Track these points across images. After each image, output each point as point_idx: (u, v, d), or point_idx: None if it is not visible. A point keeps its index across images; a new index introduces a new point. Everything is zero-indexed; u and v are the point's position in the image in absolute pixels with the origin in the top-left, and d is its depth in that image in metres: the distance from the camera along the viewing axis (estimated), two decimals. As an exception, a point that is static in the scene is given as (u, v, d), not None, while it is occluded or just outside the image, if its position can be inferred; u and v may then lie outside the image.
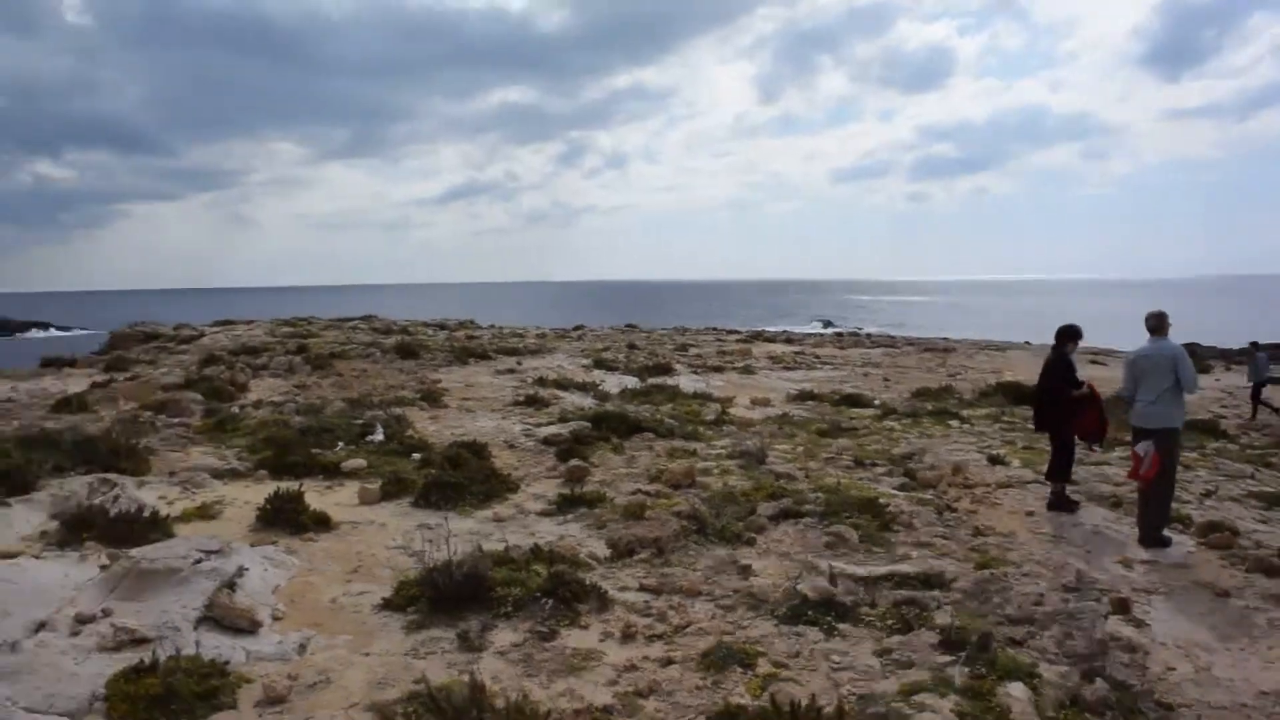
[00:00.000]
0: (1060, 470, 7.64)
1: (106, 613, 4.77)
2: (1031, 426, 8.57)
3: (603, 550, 6.20)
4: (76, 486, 7.41)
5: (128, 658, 4.23)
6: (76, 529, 6.24)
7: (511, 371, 17.07)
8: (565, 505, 7.32)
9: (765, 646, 4.60)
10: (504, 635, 4.74)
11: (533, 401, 12.89)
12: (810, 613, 4.96)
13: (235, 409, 12.14)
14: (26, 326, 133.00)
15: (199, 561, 5.40)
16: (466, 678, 4.10)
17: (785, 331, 36.05)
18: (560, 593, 5.04)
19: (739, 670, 4.33)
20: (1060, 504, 7.47)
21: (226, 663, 4.30)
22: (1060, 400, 7.48)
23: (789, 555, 6.09)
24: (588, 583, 5.25)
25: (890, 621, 4.87)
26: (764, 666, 4.38)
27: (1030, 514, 7.28)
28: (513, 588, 5.08)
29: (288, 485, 7.33)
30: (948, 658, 4.44)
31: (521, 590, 5.07)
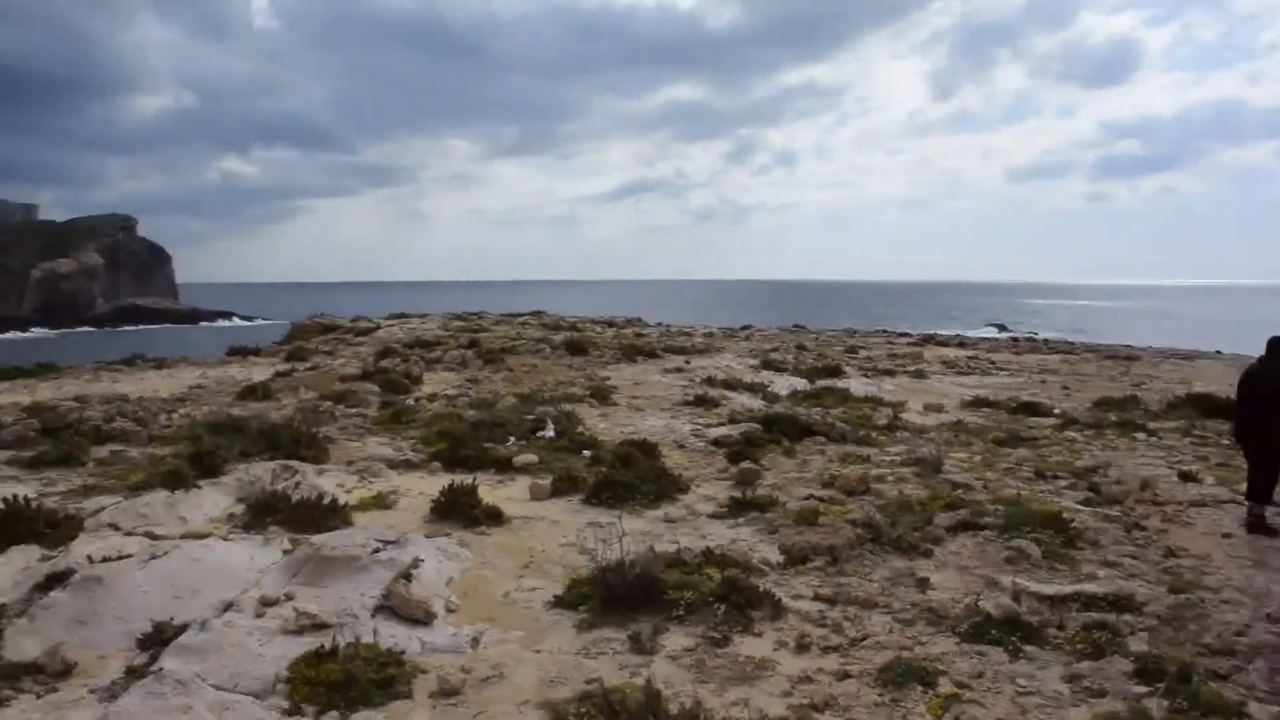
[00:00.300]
0: (1263, 490, 7.11)
1: (289, 597, 5.17)
2: (1227, 442, 7.92)
3: (775, 556, 6.26)
4: (261, 472, 8.12)
5: (308, 642, 4.57)
6: (261, 513, 6.80)
7: (680, 370, 17.46)
8: (736, 508, 7.43)
9: (946, 665, 4.58)
10: (676, 639, 4.86)
11: (702, 401, 13.14)
12: (993, 631, 4.91)
13: (410, 401, 12.90)
14: (214, 316, 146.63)
15: (377, 551, 5.76)
16: (639, 681, 4.23)
17: (958, 335, 35.16)
18: (733, 598, 5.12)
19: (919, 688, 4.34)
20: (1261, 527, 6.95)
21: (402, 652, 4.57)
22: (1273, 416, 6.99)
23: (968, 569, 5.98)
24: (761, 589, 5.31)
25: (1080, 645, 4.76)
26: (945, 686, 4.36)
27: (1227, 536, 6.87)
28: (685, 591, 5.20)
29: (461, 478, 7.77)
30: (1144, 688, 4.28)
31: (694, 594, 5.18)
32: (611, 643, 4.85)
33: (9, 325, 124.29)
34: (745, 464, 8.86)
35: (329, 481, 8.13)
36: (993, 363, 21.38)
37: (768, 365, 18.77)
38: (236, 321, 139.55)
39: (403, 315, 31.58)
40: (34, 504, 6.24)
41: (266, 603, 5.06)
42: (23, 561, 5.64)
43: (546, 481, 8.12)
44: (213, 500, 7.37)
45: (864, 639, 4.88)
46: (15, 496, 6.24)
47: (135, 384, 15.77)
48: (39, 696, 4.12)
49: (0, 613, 4.79)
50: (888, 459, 9.51)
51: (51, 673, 4.30)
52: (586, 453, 9.52)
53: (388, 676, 4.29)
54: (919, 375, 18.32)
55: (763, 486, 8.24)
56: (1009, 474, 8.91)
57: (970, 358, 22.46)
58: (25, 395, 14.22)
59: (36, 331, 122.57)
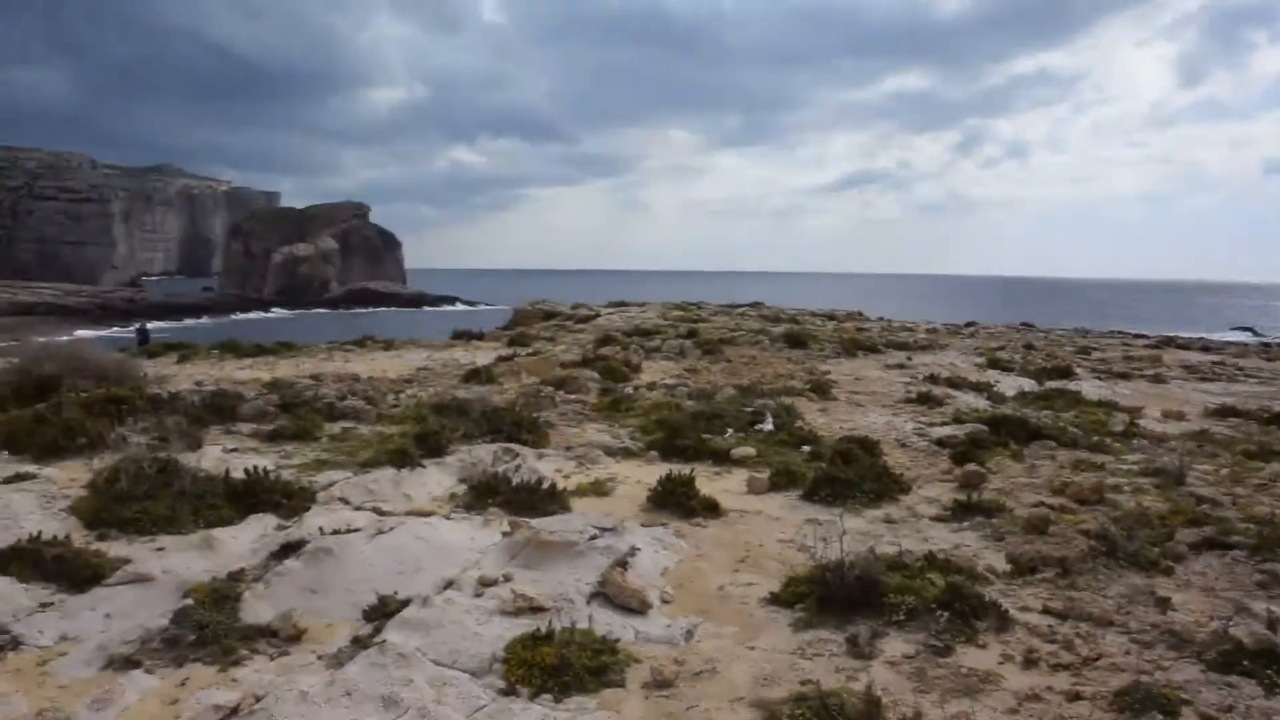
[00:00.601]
0: None
1: (507, 578, 5.46)
2: None
3: (1001, 564, 6.10)
4: (483, 454, 8.63)
5: (525, 624, 4.80)
6: (482, 494, 7.24)
7: (901, 367, 17.40)
8: (960, 512, 7.28)
9: (1190, 694, 4.32)
10: (895, 645, 4.84)
11: (924, 399, 13.04)
12: (1245, 662, 4.55)
13: (629, 389, 13.32)
14: (439, 300, 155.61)
15: (594, 538, 6.00)
16: (857, 686, 4.24)
17: (1201, 338, 32.87)
18: (957, 606, 5.04)
19: (1159, 717, 4.11)
20: None
21: (617, 640, 4.73)
22: None
23: (1215, 591, 5.60)
24: (986, 598, 5.19)
25: (1344, 686, 4.28)
26: (1189, 717, 4.11)
27: None
28: (906, 595, 5.16)
29: (678, 468, 7.96)
30: None
31: (915, 599, 5.14)
32: (828, 644, 4.89)
33: (253, 305, 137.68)
34: (970, 466, 8.68)
35: (548, 466, 8.51)
36: (1240, 369, 20.22)
37: (994, 364, 18.51)
38: (461, 306, 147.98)
39: (622, 304, 32.54)
40: (272, 475, 6.91)
41: (485, 583, 5.35)
42: (260, 529, 6.27)
43: (764, 475, 8.22)
44: (436, 480, 7.89)
45: (1098, 659, 4.69)
46: (255, 468, 6.95)
47: (365, 364, 17.12)
48: (271, 659, 4.54)
49: (240, 577, 5.34)
50: (1124, 468, 9.12)
51: (284, 637, 4.73)
52: (805, 448, 9.57)
53: (601, 664, 4.44)
54: (1157, 380, 17.62)
55: (988, 491, 8.04)
56: (1261, 490, 8.30)
57: (1215, 363, 21.38)
58: (266, 372, 15.76)
59: (277, 312, 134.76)
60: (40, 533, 5.56)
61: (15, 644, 4.60)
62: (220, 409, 10.10)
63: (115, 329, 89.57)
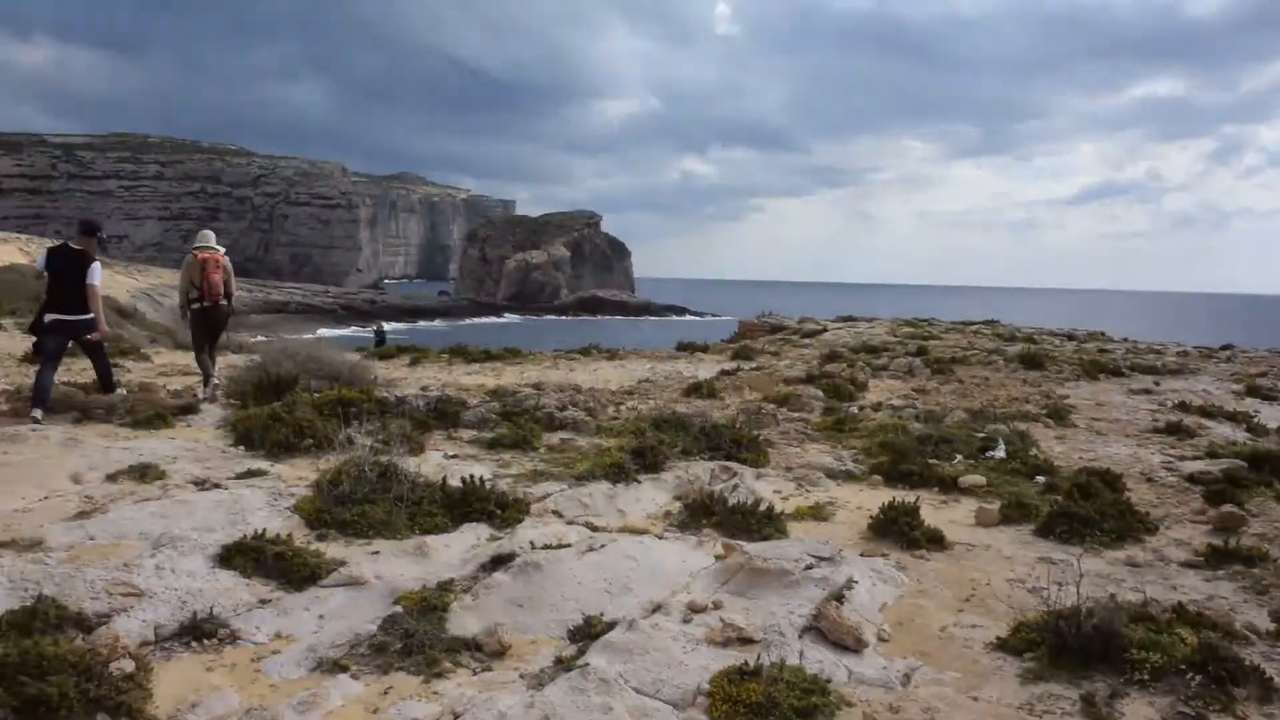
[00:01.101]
0: None
1: (717, 605, 5.34)
2: None
3: (1264, 622, 5.48)
4: (700, 471, 8.61)
5: (732, 656, 4.69)
6: (697, 514, 7.23)
7: (1148, 392, 16.20)
8: (1215, 558, 6.61)
9: None
10: (1137, 709, 4.45)
11: (1174, 430, 12.06)
12: None
13: (854, 409, 13.08)
14: (666, 310, 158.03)
15: (810, 567, 5.82)
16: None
17: None
18: (1211, 668, 4.57)
19: None
20: None
21: (828, 680, 4.56)
22: None
23: None
24: (1246, 661, 4.68)
25: None
26: None
27: None
28: (1151, 652, 4.74)
29: (902, 495, 7.71)
30: None
31: (1162, 657, 4.70)
32: (1060, 701, 4.57)
33: (485, 310, 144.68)
34: (1227, 507, 7.93)
35: (766, 487, 8.42)
36: None
37: (1254, 392, 16.92)
38: (687, 317, 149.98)
39: (849, 318, 32.09)
40: (487, 484, 7.16)
41: (694, 609, 5.26)
42: (473, 539, 6.46)
43: (995, 507, 7.82)
44: (651, 496, 7.93)
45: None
46: (472, 476, 7.20)
47: (588, 374, 17.60)
48: (474, 673, 4.61)
49: (449, 587, 5.49)
50: None
51: (488, 651, 4.79)
52: (1040, 479, 9.08)
53: (810, 705, 4.27)
54: None
55: (1248, 535, 7.29)
56: None
57: None
58: (492, 378, 16.46)
59: (508, 317, 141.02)
60: (264, 530, 5.94)
61: (234, 638, 4.88)
62: (444, 414, 10.59)
63: (356, 329, 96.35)
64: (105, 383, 11.26)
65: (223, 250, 12.90)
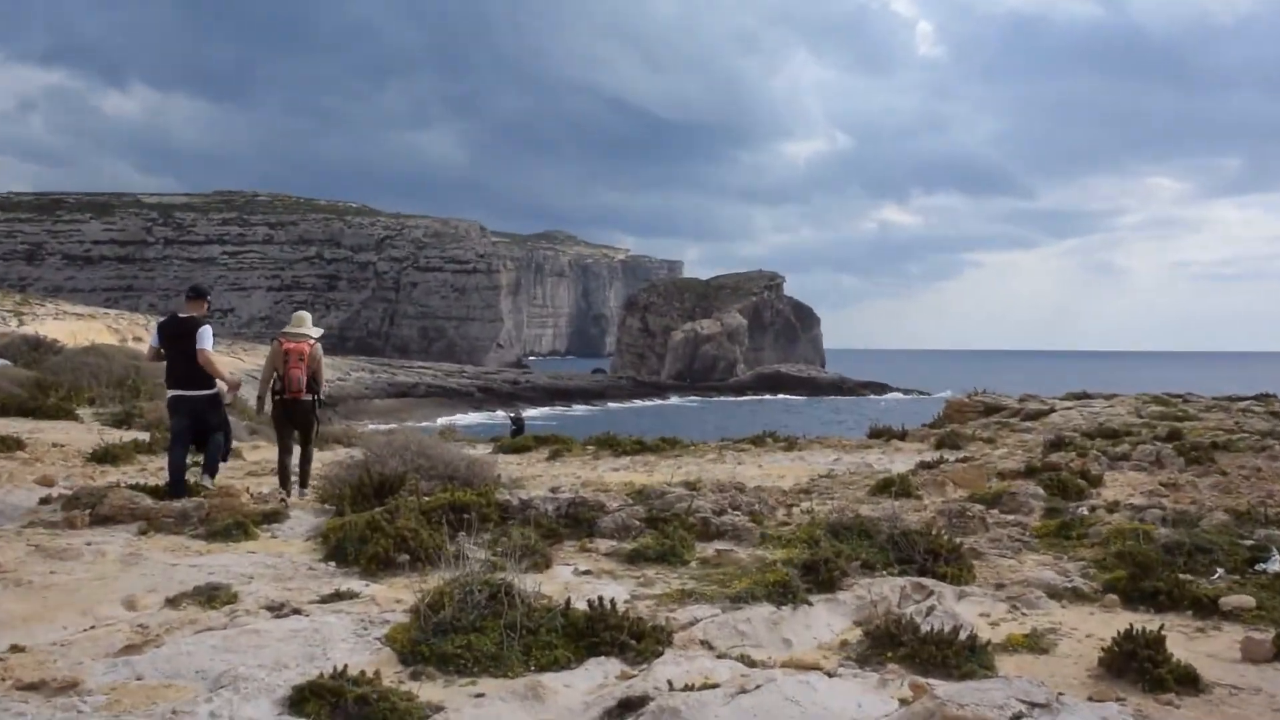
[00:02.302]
0: None
1: None
2: None
3: None
4: (887, 589, 8.36)
5: None
6: (880, 644, 6.98)
7: None
8: None
9: None
10: None
11: None
12: None
13: (1084, 509, 12.64)
14: (862, 388, 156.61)
15: (1019, 716, 5.52)
16: None
17: None
18: None
19: None
20: None
21: None
22: None
23: None
24: None
25: None
26: None
27: None
28: None
29: (1144, 620, 7.34)
30: None
31: None
32: None
33: (648, 391, 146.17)
34: None
35: (970, 609, 8.13)
36: None
37: None
38: (890, 396, 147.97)
39: (1083, 395, 31.00)
40: (622, 608, 7.07)
41: None
42: (600, 677, 6.38)
43: (1268, 636, 7.27)
44: (824, 621, 7.74)
45: None
46: (601, 599, 7.13)
47: (757, 468, 17.48)
48: None
49: None
50: None
51: None
52: (1329, 601, 8.45)
53: None
54: None
55: None
56: None
57: None
58: (641, 474, 16.51)
59: (673, 399, 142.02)
60: (346, 666, 5.97)
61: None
62: (576, 520, 10.64)
63: (492, 414, 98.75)
64: (209, 467, 12.15)
65: (315, 337, 13.69)
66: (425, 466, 11.84)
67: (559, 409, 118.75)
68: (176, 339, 11.87)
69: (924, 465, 16.54)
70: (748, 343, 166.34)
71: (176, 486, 11.47)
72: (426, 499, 10.33)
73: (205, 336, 11.84)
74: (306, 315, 14.01)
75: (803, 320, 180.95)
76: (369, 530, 9.07)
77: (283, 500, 12.04)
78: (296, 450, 13.71)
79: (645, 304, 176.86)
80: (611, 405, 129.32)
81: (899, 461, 18.19)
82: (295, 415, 13.45)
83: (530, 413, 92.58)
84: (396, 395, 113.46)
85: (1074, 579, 9.20)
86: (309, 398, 13.41)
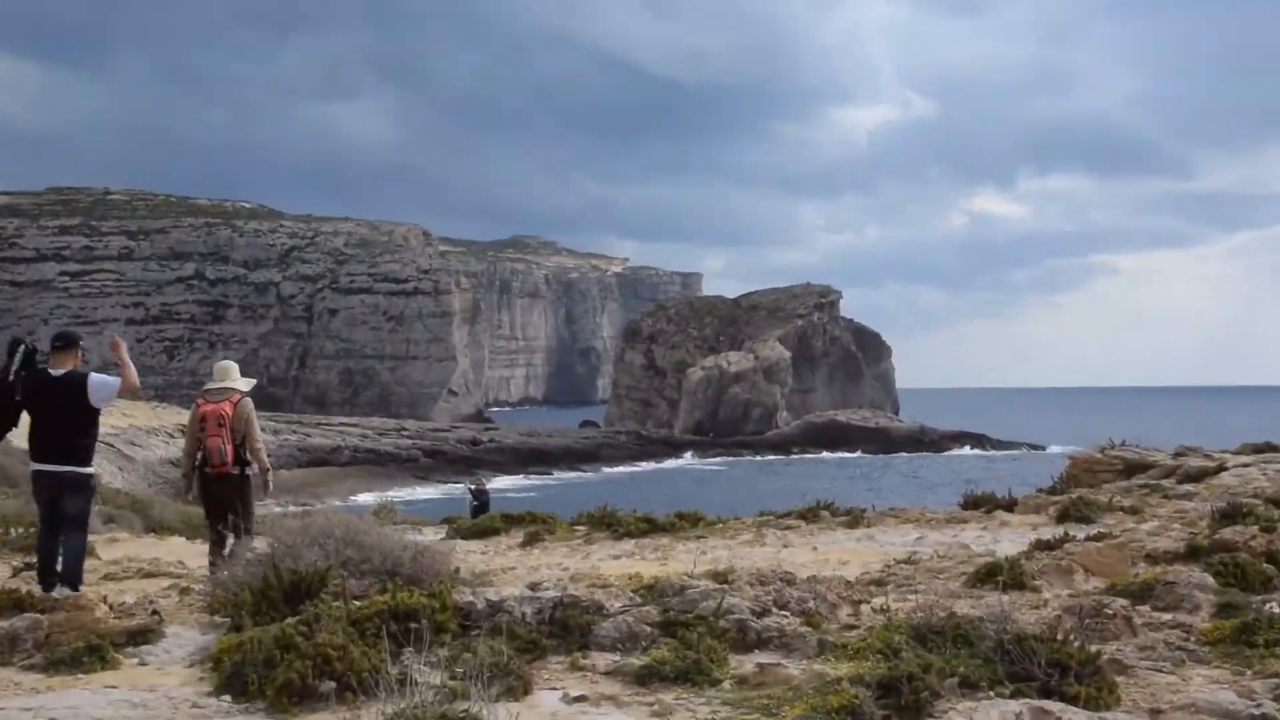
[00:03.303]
0: None
1: None
2: None
3: None
4: (996, 716, 8.33)
5: None
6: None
7: None
8: None
9: None
10: None
11: None
12: None
13: (1274, 606, 12.42)
14: (950, 442, 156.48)
15: None
16: None
17: None
18: None
19: None
20: None
21: None
22: None
23: None
24: None
25: None
26: None
27: None
28: None
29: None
30: None
31: None
32: None
33: (655, 450, 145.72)
34: None
35: (1118, 744, 8.12)
36: None
37: None
38: (987, 452, 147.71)
39: (1266, 447, 30.72)
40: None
41: None
42: None
43: None
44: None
45: None
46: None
47: (811, 553, 17.42)
48: None
49: None
50: None
51: None
52: None
53: None
54: None
55: None
56: None
57: None
58: (652, 563, 16.44)
59: (690, 460, 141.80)
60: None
61: None
62: (566, 627, 10.55)
63: (451, 485, 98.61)
64: (68, 576, 12.19)
65: (244, 390, 14.31)
66: (355, 560, 11.76)
67: (536, 477, 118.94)
68: (44, 401, 12.10)
69: (1042, 545, 16.44)
70: (792, 382, 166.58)
71: (46, 576, 12.04)
72: (358, 604, 10.25)
73: (103, 386, 12.21)
74: (230, 365, 14.67)
75: (867, 350, 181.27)
76: (279, 649, 8.97)
77: (155, 612, 11.97)
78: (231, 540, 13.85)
79: (651, 332, 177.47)
80: (607, 470, 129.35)
81: (1006, 540, 18.12)
82: (221, 495, 13.96)
83: (497, 483, 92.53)
84: (311, 464, 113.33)
85: (1263, 703, 9.10)
86: (236, 471, 13.93)
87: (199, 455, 13.97)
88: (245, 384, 14.44)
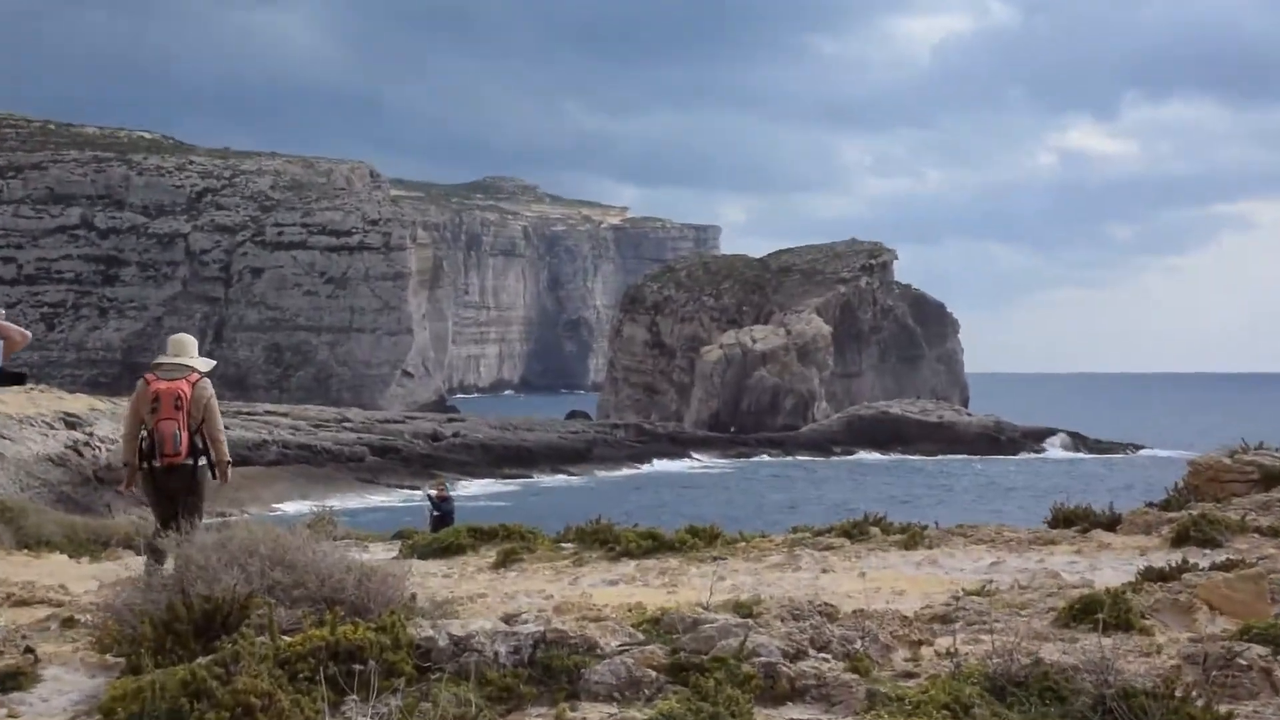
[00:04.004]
0: None
1: None
2: None
3: None
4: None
5: None
6: None
7: None
8: None
9: None
10: None
11: None
12: None
13: None
14: (1036, 441, 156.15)
15: None
16: None
17: None
18: None
19: None
20: None
21: None
22: None
23: None
24: None
25: None
26: None
27: None
28: None
29: None
30: None
31: None
32: None
33: (663, 448, 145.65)
34: None
35: None
36: None
37: None
38: (1078, 455, 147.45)
39: None
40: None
41: None
42: None
43: None
44: None
45: None
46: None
47: (857, 580, 17.34)
48: None
49: None
50: None
51: None
52: None
53: None
54: None
55: None
56: None
57: None
58: (658, 591, 16.39)
59: (704, 459, 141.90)
60: None
61: None
62: (550, 671, 10.50)
63: (408, 491, 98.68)
64: None
65: (203, 370, 14.48)
66: (285, 584, 11.72)
67: (512, 482, 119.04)
68: None
69: (1153, 575, 16.40)
70: (833, 365, 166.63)
71: None
72: (288, 640, 10.21)
73: None
74: (188, 340, 14.79)
75: (928, 326, 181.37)
76: (188, 697, 8.91)
77: (29, 650, 11.92)
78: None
79: (656, 301, 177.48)
80: (601, 474, 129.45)
81: (1107, 568, 18.09)
82: (171, 489, 14.10)
83: (464, 489, 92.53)
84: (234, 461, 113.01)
85: None
86: (190, 462, 14.03)
87: (144, 441, 14.00)
88: (205, 364, 14.59)
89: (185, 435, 13.82)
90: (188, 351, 14.47)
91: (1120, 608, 14.20)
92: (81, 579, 17.12)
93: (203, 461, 14.29)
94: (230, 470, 15.01)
